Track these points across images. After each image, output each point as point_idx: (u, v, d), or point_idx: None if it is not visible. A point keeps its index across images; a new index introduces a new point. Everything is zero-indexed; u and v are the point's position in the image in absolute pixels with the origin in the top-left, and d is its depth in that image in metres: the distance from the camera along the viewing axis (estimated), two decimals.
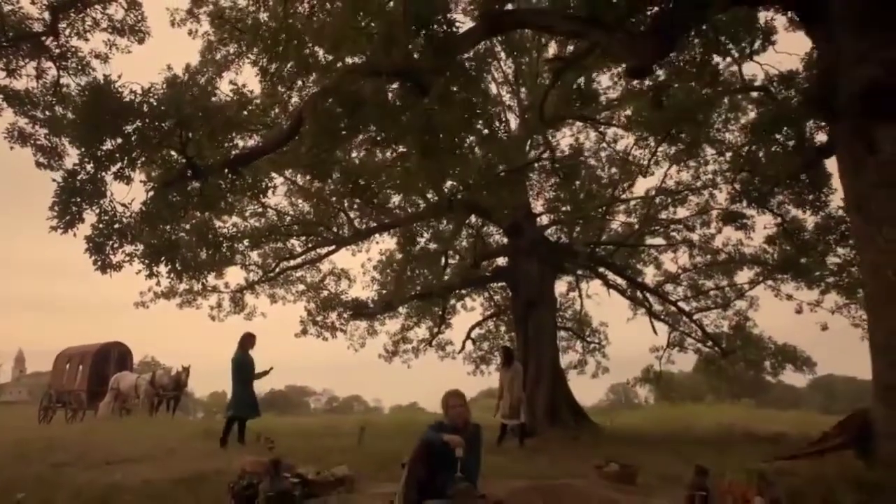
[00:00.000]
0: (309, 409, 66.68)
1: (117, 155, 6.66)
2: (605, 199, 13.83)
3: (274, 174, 10.67)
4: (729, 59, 9.98)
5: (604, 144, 14.30)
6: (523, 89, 14.10)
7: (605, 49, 6.70)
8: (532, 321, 12.44)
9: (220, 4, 9.52)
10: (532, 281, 12.59)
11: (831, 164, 7.79)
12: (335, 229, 13.91)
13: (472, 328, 16.71)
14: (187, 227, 8.97)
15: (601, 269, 15.00)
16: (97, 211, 6.81)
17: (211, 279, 12.41)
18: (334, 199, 12.94)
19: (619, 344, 17.75)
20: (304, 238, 14.35)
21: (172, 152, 7.34)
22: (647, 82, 9.66)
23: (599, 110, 12.75)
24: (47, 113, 9.40)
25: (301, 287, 15.18)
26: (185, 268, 8.01)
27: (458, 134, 7.17)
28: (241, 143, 8.29)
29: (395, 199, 13.04)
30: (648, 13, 6.10)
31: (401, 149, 8.44)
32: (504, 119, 13.87)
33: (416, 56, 6.38)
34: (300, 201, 14.03)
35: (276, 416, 22.19)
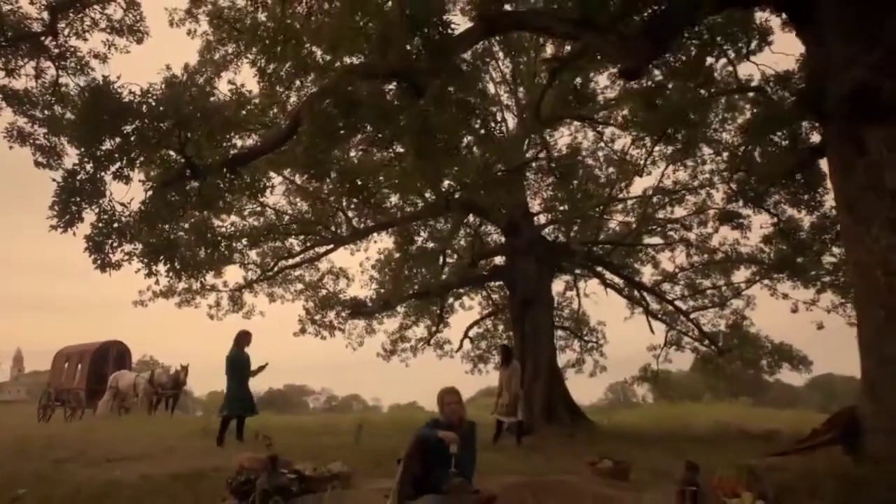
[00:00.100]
0: (308, 409, 66.73)
1: (116, 155, 6.72)
2: (603, 199, 13.90)
3: (272, 173, 10.73)
4: (724, 61, 10.04)
5: (601, 144, 14.37)
6: (521, 89, 14.15)
7: (598, 50, 6.77)
8: (529, 320, 12.51)
9: (219, 4, 9.56)
10: (529, 280, 12.65)
11: (826, 164, 7.85)
12: (333, 228, 13.96)
13: (470, 327, 16.78)
14: (186, 226, 9.02)
15: (598, 269, 15.06)
16: (97, 210, 6.87)
17: (209, 278, 12.46)
18: (332, 198, 13.00)
19: (617, 343, 17.86)
20: (302, 237, 14.40)
21: (171, 152, 7.38)
22: (645, 82, 9.73)
23: (597, 110, 12.81)
24: (46, 112, 9.43)
25: (299, 286, 15.24)
26: (184, 267, 8.06)
27: (454, 134, 7.23)
28: (239, 143, 8.34)
29: (393, 198, 13.08)
30: (641, 15, 6.15)
31: (399, 149, 8.49)
32: (502, 119, 13.99)
33: (412, 57, 6.43)
34: (298, 200, 14.08)
35: (275, 414, 22.24)
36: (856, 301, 5.07)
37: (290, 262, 14.58)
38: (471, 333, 16.83)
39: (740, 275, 14.61)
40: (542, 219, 14.66)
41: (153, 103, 6.69)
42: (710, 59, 8.95)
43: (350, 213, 13.56)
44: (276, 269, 14.48)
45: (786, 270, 12.72)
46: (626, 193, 14.46)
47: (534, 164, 13.41)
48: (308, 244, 14.45)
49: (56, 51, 9.22)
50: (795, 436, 6.63)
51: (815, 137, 9.20)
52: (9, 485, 5.16)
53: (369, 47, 7.05)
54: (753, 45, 9.57)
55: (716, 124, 12.04)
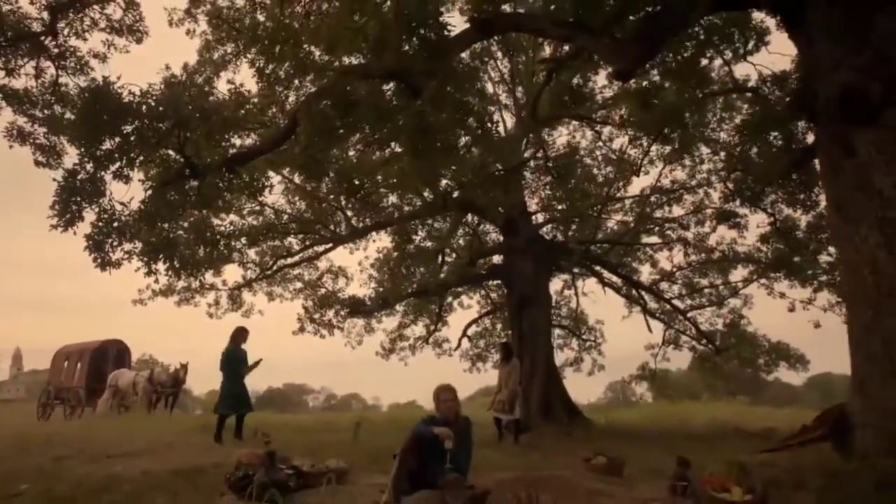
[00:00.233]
0: (307, 407, 66.85)
1: (116, 155, 6.78)
2: (601, 198, 13.96)
3: (271, 173, 10.78)
4: (720, 62, 10.10)
5: (599, 143, 14.43)
6: (519, 88, 14.20)
7: (591, 52, 6.82)
8: (526, 318, 12.57)
9: (218, 4, 9.60)
10: (526, 279, 12.71)
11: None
12: (332, 227, 14.02)
13: (469, 325, 16.83)
14: (185, 225, 9.08)
15: (596, 267, 15.12)
16: (97, 210, 6.93)
17: (209, 277, 12.54)
18: (331, 197, 13.05)
19: (615, 342, 17.88)
20: (301, 236, 14.45)
21: (170, 152, 7.44)
22: (643, 83, 9.78)
23: (595, 109, 12.86)
24: (46, 112, 9.48)
25: (298, 285, 15.29)
26: (183, 265, 8.11)
27: (450, 134, 7.28)
28: (238, 143, 8.39)
29: (392, 198, 13.14)
30: (634, 18, 6.21)
31: (396, 149, 8.55)
32: (501, 118, 14.06)
33: (408, 58, 6.49)
34: (297, 200, 14.13)
35: (274, 413, 22.31)
36: (845, 300, 5.14)
37: (289, 260, 14.64)
38: (469, 332, 16.92)
39: (737, 274, 14.70)
40: (540, 218, 14.72)
41: (153, 103, 6.75)
42: (704, 60, 9.00)
43: (349, 213, 13.61)
44: (275, 267, 14.53)
45: (783, 269, 12.78)
46: (623, 193, 14.56)
47: (531, 164, 13.46)
48: (307, 243, 14.50)
49: (56, 51, 9.27)
50: (791, 433, 6.70)
51: (811, 138, 9.26)
52: (10, 480, 5.23)
53: (367, 47, 7.10)
54: (750, 45, 9.63)
55: (713, 124, 12.12)
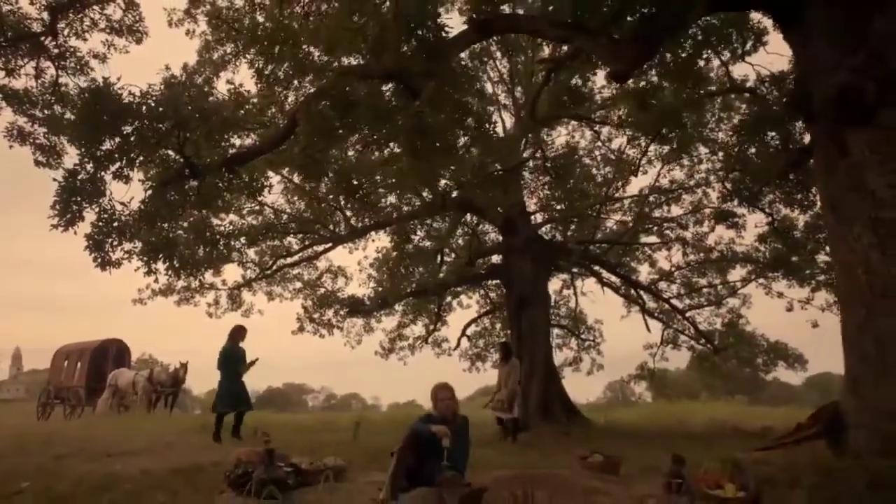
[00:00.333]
0: (307, 407, 66.89)
1: (116, 155, 6.81)
2: (599, 198, 13.99)
3: (270, 173, 10.82)
4: (718, 62, 10.13)
5: (598, 143, 14.46)
6: (519, 88, 14.24)
7: (588, 53, 6.86)
8: (525, 318, 12.60)
9: (217, 5, 9.64)
10: (525, 278, 12.75)
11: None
12: (332, 227, 14.05)
13: (468, 325, 16.86)
14: (185, 224, 9.11)
15: (595, 267, 15.16)
16: (97, 209, 6.96)
17: (208, 276, 12.58)
18: (330, 197, 13.08)
19: (614, 341, 17.91)
20: (300, 236, 14.48)
21: (170, 152, 7.47)
22: (641, 83, 9.82)
23: (594, 109, 12.89)
24: (46, 112, 9.51)
25: (298, 284, 15.31)
26: (183, 265, 8.14)
27: (449, 134, 7.32)
28: (237, 143, 8.42)
29: (391, 198, 13.17)
30: (632, 19, 6.24)
31: (395, 149, 8.58)
32: (500, 118, 14.09)
33: (407, 59, 6.52)
34: (297, 199, 14.17)
35: (274, 413, 22.36)
36: (839, 299, 5.18)
37: (289, 260, 14.66)
38: (468, 332, 16.94)
39: (736, 273, 14.74)
40: (539, 217, 14.76)
41: (152, 104, 6.78)
42: (701, 61, 9.03)
43: (348, 213, 13.64)
44: (274, 267, 14.56)
45: (781, 269, 12.82)
46: (622, 192, 14.59)
47: (530, 164, 13.50)
48: (306, 243, 14.53)
49: (56, 51, 9.30)
50: (786, 432, 6.74)
51: (808, 138, 9.28)
52: (11, 478, 5.26)
53: (366, 48, 7.13)
54: (749, 45, 9.66)
55: (712, 124, 12.16)
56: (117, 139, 6.80)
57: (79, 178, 6.77)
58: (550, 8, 7.55)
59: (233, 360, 8.13)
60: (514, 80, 14.24)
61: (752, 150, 10.57)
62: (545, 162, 13.14)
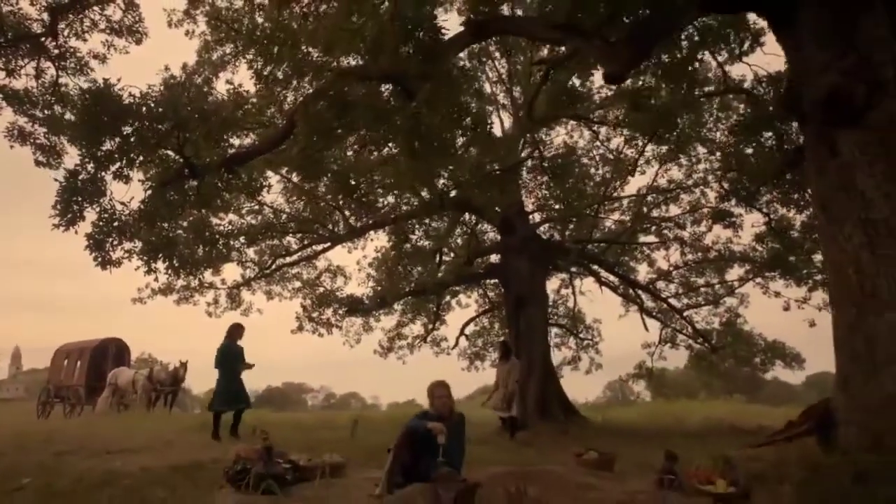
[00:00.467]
0: (306, 406, 66.96)
1: (116, 155, 6.88)
2: (597, 198, 14.04)
3: (269, 173, 10.87)
4: (716, 63, 10.17)
5: (596, 143, 14.51)
6: (517, 88, 14.28)
7: (583, 55, 6.92)
8: (523, 317, 12.65)
9: (217, 5, 9.68)
10: (523, 278, 12.80)
11: None
12: (330, 227, 14.11)
13: (466, 324, 16.94)
14: (185, 224, 9.17)
15: (593, 267, 15.22)
16: (97, 209, 7.03)
17: (208, 276, 12.63)
18: (329, 196, 13.13)
19: (613, 340, 17.98)
20: (299, 235, 14.53)
21: (170, 152, 7.54)
22: (638, 83, 9.87)
23: (592, 109, 12.94)
24: (46, 112, 9.56)
25: (297, 284, 15.37)
26: (182, 264, 8.21)
27: (447, 135, 7.37)
28: (237, 143, 8.49)
29: (389, 198, 13.21)
30: (627, 20, 6.30)
31: (393, 149, 8.63)
32: (498, 118, 14.14)
33: (404, 61, 6.57)
34: (296, 199, 14.21)
35: (273, 411, 22.42)
36: (831, 298, 5.24)
37: (288, 260, 14.72)
38: (467, 331, 17.02)
39: (733, 273, 14.81)
40: (537, 217, 14.81)
41: (152, 105, 6.85)
42: (697, 62, 9.08)
43: (346, 212, 13.69)
44: (273, 266, 14.62)
45: (778, 269, 12.88)
46: (620, 192, 14.64)
47: (528, 163, 13.55)
48: (305, 242, 14.59)
49: (56, 51, 9.35)
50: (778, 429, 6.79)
51: (803, 138, 9.34)
52: (12, 475, 5.31)
53: (364, 49, 7.18)
54: (746, 46, 9.71)
55: (710, 124, 12.21)
56: (117, 139, 6.87)
57: (79, 178, 6.84)
58: (547, 9, 7.62)
59: (231, 358, 8.07)
60: (512, 80, 14.29)
61: (749, 151, 10.63)
62: (543, 161, 13.19)
